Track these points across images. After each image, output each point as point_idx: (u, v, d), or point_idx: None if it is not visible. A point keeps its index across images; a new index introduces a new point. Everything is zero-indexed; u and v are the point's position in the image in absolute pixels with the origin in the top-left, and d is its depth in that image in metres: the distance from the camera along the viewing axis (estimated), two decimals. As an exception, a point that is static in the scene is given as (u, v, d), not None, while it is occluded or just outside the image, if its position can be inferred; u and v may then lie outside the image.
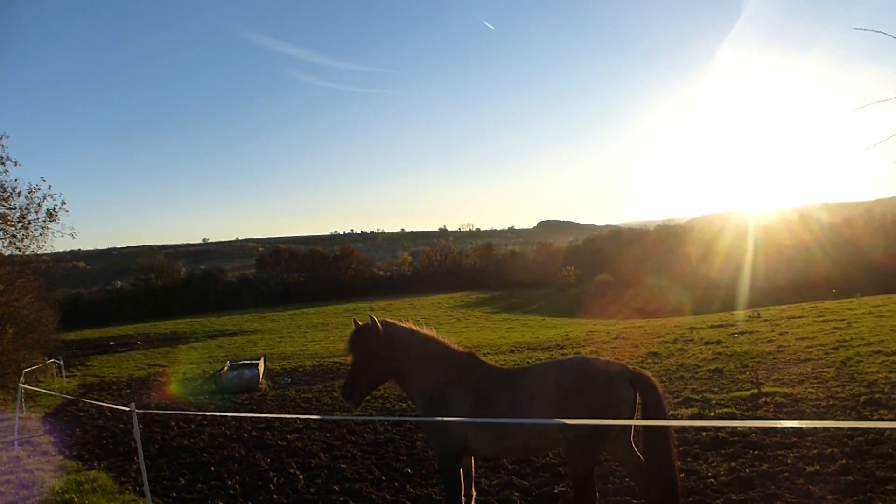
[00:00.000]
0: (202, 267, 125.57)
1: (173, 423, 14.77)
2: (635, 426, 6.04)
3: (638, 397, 5.77)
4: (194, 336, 49.27)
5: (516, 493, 7.74)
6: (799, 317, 30.50)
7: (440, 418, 6.02)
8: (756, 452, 8.42)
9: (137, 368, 30.49)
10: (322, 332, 46.89)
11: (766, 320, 30.39)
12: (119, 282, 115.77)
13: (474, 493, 6.68)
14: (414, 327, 6.73)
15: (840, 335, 21.15)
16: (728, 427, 9.57)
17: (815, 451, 8.12)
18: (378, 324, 6.55)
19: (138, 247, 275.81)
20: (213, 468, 10.47)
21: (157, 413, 15.59)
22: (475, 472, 6.97)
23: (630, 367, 5.92)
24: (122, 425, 15.03)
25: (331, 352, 32.08)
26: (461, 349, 6.68)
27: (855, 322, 24.82)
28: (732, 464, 7.98)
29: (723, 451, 8.68)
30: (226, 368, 21.95)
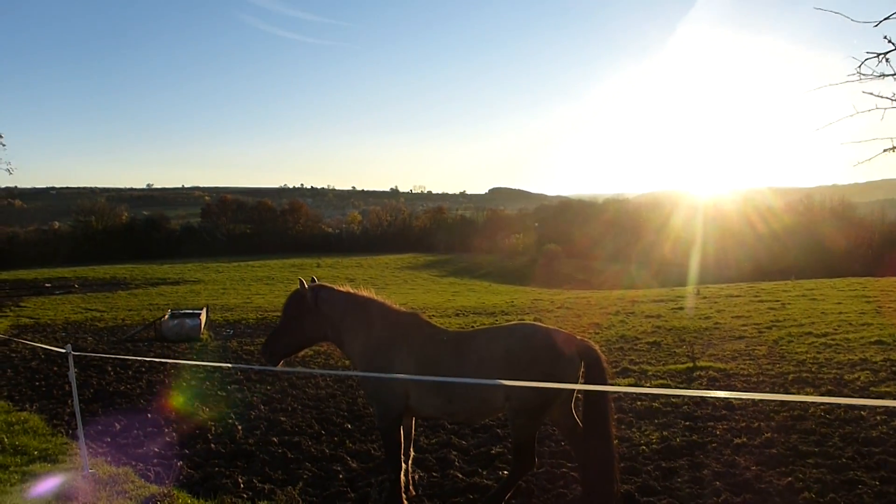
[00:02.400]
0: (145, 213, 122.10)
1: (110, 369, 14.46)
2: (576, 394, 6.18)
3: (583, 367, 5.89)
4: (134, 282, 48.02)
5: (454, 453, 7.86)
6: (736, 296, 31.50)
7: (384, 375, 6.03)
8: (687, 423, 8.73)
9: (74, 312, 29.62)
10: (267, 286, 46.31)
11: (705, 297, 31.28)
12: (57, 223, 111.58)
13: (412, 453, 6.77)
14: (352, 290, 6.68)
15: (774, 315, 21.95)
16: (662, 397, 9.88)
17: (742, 424, 8.47)
18: (306, 288, 6.50)
19: (78, 188, 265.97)
20: (149, 415, 10.32)
21: (93, 357, 15.24)
22: (415, 431, 7.05)
23: (577, 337, 6.02)
24: (55, 368, 14.64)
25: (275, 306, 31.74)
26: (405, 310, 6.68)
27: (788, 304, 25.76)
28: (664, 433, 8.26)
29: (656, 421, 8.97)
30: (166, 317, 21.53)
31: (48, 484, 6.99)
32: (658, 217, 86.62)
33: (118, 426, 9.69)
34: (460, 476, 7.02)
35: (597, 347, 5.99)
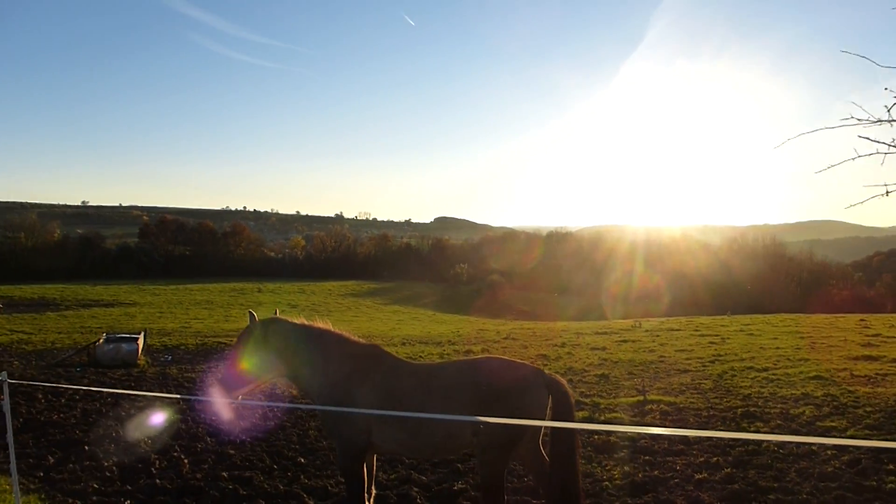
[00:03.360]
0: (79, 231, 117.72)
1: (40, 396, 13.62)
2: (543, 430, 6.06)
3: (550, 402, 5.78)
4: (65, 303, 46.01)
5: (416, 489, 7.61)
6: (677, 329, 32.12)
7: (348, 409, 5.79)
8: (647, 458, 8.72)
9: (-2, 334, 28.12)
10: (206, 311, 45.05)
11: (646, 330, 31.80)
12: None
13: (374, 491, 6.50)
14: (306, 322, 6.45)
15: (715, 349, 22.41)
16: (618, 432, 9.86)
17: (701, 459, 8.50)
18: (256, 322, 6.26)
19: (7, 202, 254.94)
20: (86, 447, 9.70)
21: (22, 384, 14.36)
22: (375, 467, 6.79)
23: (545, 372, 5.92)
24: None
25: (215, 331, 30.82)
26: (363, 341, 6.47)
27: (728, 338, 26.39)
28: (626, 468, 8.22)
29: (615, 456, 8.93)
30: (101, 341, 20.58)
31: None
32: (600, 250, 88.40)
33: (52, 459, 9.09)
34: (423, 514, 6.78)
35: (564, 382, 5.91)
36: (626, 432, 9.68)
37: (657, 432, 4.67)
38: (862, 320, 34.33)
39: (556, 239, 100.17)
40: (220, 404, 6.24)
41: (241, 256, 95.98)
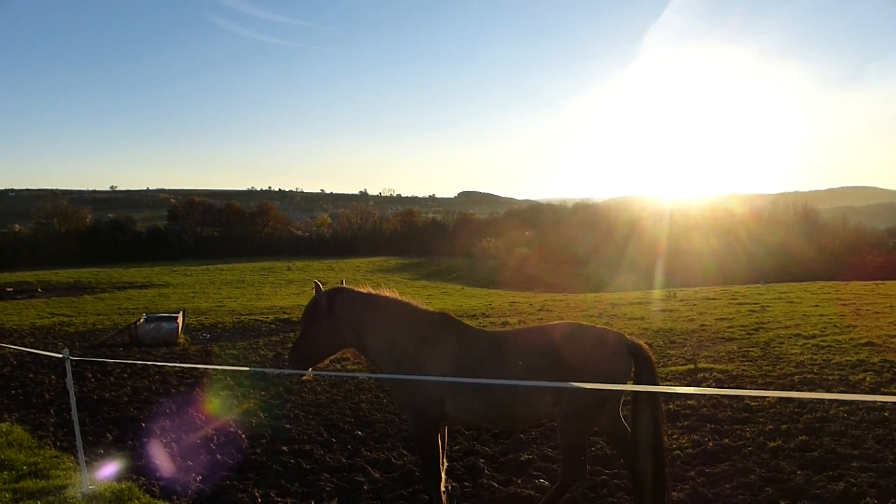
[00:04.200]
0: (110, 215, 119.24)
1: (90, 375, 13.72)
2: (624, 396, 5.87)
3: (633, 367, 5.56)
4: (100, 286, 46.57)
5: (482, 461, 7.46)
6: (713, 298, 31.64)
7: (425, 377, 5.61)
8: (712, 426, 8.48)
9: (39, 317, 28.47)
10: (238, 290, 45.31)
11: (682, 300, 31.37)
12: (17, 226, 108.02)
13: (446, 463, 6.35)
14: (373, 291, 6.28)
15: (757, 317, 21.99)
16: (681, 396, 9.63)
17: (770, 427, 8.24)
18: (321, 292, 6.10)
19: (39, 190, 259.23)
20: (143, 423, 9.70)
21: (87, 360, 14.40)
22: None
23: (627, 336, 5.69)
24: (31, 375, 13.87)
25: (249, 309, 30.95)
26: (432, 310, 6.28)
27: (768, 306, 25.90)
28: (694, 436, 7.98)
29: (678, 424, 8.70)
30: (142, 320, 20.72)
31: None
32: (626, 221, 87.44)
33: (110, 437, 9.10)
34: (496, 485, 6.62)
35: (646, 346, 5.67)
36: (702, 394, 9.45)
37: (752, 394, 4.43)
38: (904, 286, 33.60)
39: (581, 210, 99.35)
40: (294, 377, 6.11)
41: (269, 236, 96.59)
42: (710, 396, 9.82)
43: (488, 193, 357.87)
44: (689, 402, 9.57)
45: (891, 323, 18.94)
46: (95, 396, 11.73)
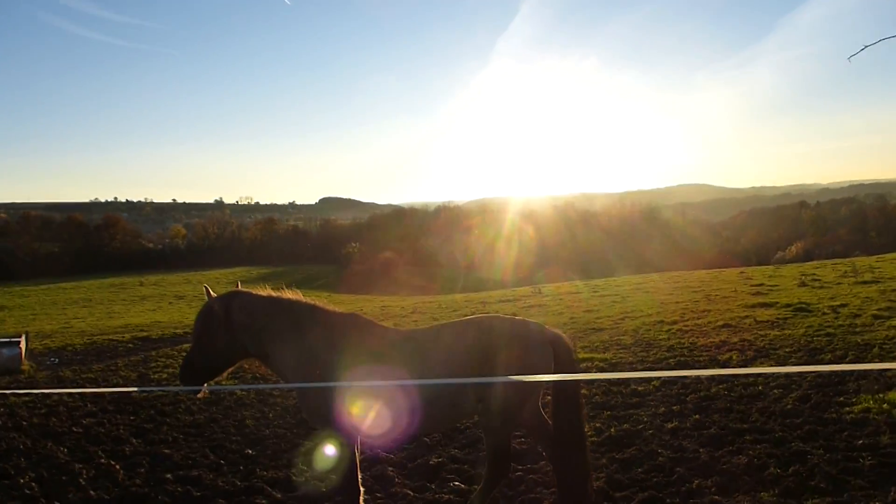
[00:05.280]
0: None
1: (-84, 413, 11.94)
2: (544, 389, 5.78)
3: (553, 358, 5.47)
4: (-83, 312, 41.43)
5: (390, 468, 7.08)
6: (576, 292, 33.07)
7: (370, 382, 5.22)
8: (609, 412, 8.64)
9: None
10: (85, 309, 41.86)
11: (547, 295, 32.51)
12: None
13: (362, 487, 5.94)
14: (273, 293, 5.83)
15: (620, 308, 23.09)
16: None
17: (662, 409, 8.52)
18: (213, 298, 5.60)
19: None
20: (-9, 463, 8.47)
21: None
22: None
23: (546, 327, 5.59)
24: None
25: (101, 329, 28.55)
26: (341, 311, 5.90)
27: (627, 297, 27.35)
28: (596, 424, 8.07)
29: (576, 413, 8.80)
30: (-24, 347, 18.45)
31: None
32: (488, 222, 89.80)
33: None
34: (410, 493, 6.30)
35: (565, 336, 5.61)
36: (597, 380, 9.62)
37: (688, 373, 4.47)
38: (742, 272, 36.68)
39: (444, 213, 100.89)
40: (188, 394, 5.49)
41: (118, 250, 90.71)
42: (599, 384, 10.06)
43: (350, 199, 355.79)
44: (581, 390, 9.74)
45: (739, 305, 20.50)
46: (-73, 436, 10.17)
